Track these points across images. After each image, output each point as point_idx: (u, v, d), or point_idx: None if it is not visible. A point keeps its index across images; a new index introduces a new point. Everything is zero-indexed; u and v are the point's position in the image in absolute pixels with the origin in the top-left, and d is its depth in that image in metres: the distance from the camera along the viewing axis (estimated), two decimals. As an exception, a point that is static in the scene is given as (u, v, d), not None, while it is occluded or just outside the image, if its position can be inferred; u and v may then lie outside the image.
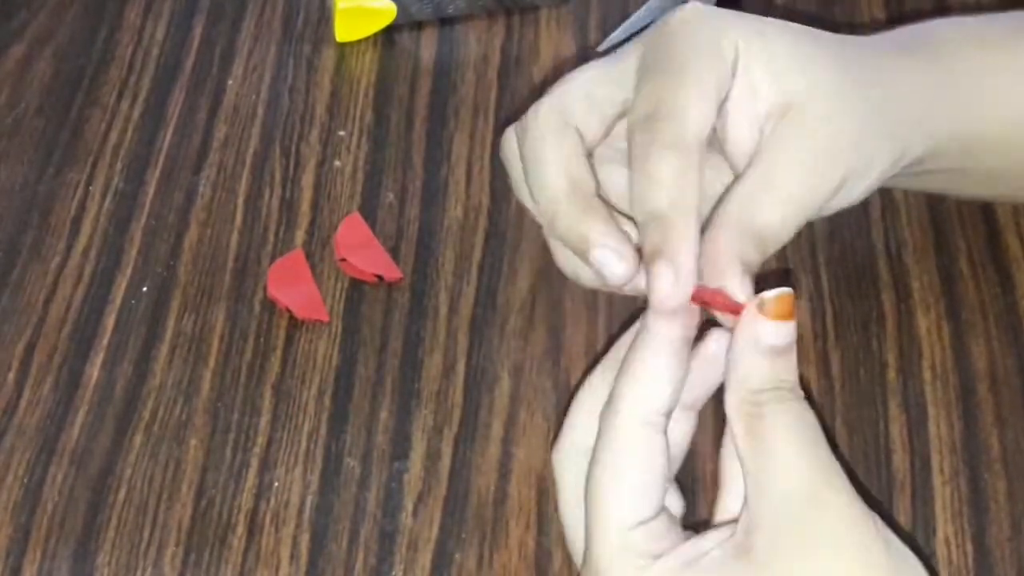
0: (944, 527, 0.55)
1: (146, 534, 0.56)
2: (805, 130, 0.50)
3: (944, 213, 0.66)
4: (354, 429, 0.59)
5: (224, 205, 0.67)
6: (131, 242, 0.65)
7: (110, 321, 0.62)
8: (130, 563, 0.55)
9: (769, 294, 0.44)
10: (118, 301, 0.63)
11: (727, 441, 0.45)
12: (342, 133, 0.70)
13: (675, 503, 0.47)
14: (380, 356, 0.61)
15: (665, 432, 0.44)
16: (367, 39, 0.74)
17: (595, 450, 0.44)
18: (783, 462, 0.43)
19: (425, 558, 0.55)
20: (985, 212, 0.65)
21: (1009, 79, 0.56)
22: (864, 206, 0.66)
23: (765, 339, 0.44)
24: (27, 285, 0.64)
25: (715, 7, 0.51)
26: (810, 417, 0.44)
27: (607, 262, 0.46)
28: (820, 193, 0.50)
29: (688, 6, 0.50)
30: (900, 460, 0.57)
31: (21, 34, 0.74)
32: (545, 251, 0.64)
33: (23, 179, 0.68)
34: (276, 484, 0.57)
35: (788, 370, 0.44)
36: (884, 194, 0.66)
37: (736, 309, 0.45)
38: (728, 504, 0.45)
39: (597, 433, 0.44)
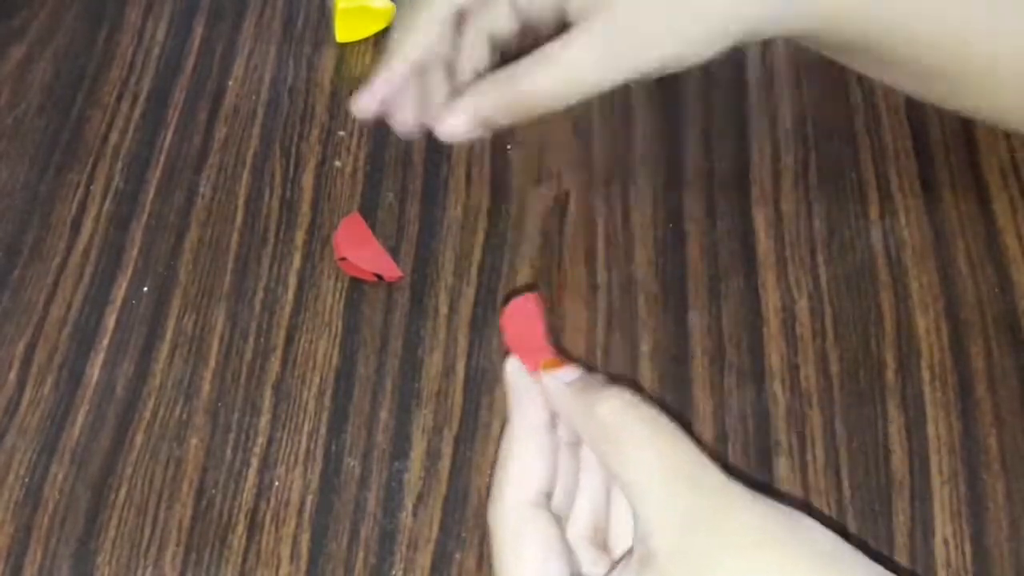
0: (943, 527, 0.56)
1: (147, 533, 0.56)
2: (608, 18, 0.56)
3: (943, 213, 0.66)
4: (354, 429, 0.59)
5: (224, 205, 0.67)
6: (131, 242, 0.65)
7: (111, 321, 0.62)
8: (130, 562, 0.55)
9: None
10: (119, 301, 0.63)
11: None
12: (342, 133, 0.70)
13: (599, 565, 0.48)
14: (380, 356, 0.61)
15: (549, 509, 0.46)
16: (367, 39, 0.74)
17: (492, 538, 0.46)
18: (639, 457, 0.43)
19: (425, 558, 0.55)
20: (984, 212, 0.66)
21: None
22: (863, 206, 0.66)
23: (566, 378, 0.47)
24: (28, 285, 0.64)
25: None
26: (651, 412, 0.44)
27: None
28: (604, 78, 0.57)
29: None
30: (899, 460, 0.57)
31: (21, 34, 0.74)
32: (545, 251, 0.65)
33: (24, 179, 0.68)
34: (276, 484, 0.57)
35: (597, 394, 0.46)
36: (884, 195, 0.66)
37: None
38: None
39: (489, 526, 0.47)
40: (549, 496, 0.47)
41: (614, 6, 0.56)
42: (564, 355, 0.49)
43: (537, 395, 0.48)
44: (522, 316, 0.50)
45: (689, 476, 0.43)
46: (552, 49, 0.57)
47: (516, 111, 0.58)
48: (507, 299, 0.50)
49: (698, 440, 0.58)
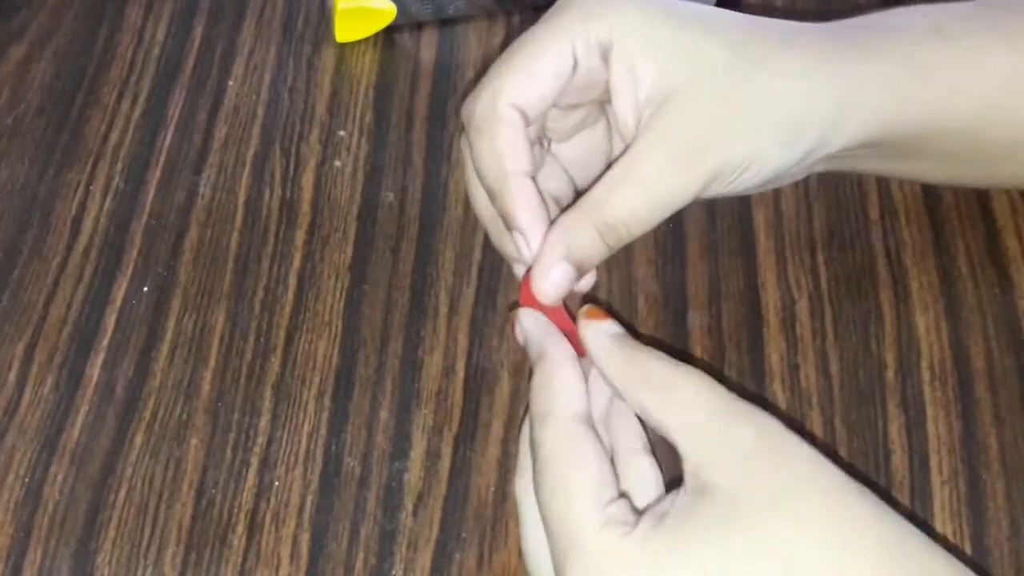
0: (943, 527, 0.56)
1: (146, 534, 0.56)
2: (675, 120, 0.50)
3: (943, 213, 0.66)
4: (354, 429, 0.59)
5: (224, 205, 0.67)
6: (131, 242, 0.65)
7: (111, 321, 0.62)
8: (130, 562, 0.55)
9: (585, 307, 0.49)
10: (118, 301, 0.63)
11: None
12: (342, 133, 0.70)
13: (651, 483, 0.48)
14: (380, 356, 0.61)
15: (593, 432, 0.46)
16: (367, 39, 0.74)
17: (538, 460, 0.45)
18: (689, 390, 0.44)
19: (425, 558, 0.55)
20: (984, 212, 0.66)
21: (972, 72, 0.56)
22: (863, 206, 0.66)
23: (611, 329, 0.47)
24: (28, 285, 0.64)
25: None
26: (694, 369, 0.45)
27: (521, 245, 0.51)
28: (680, 184, 0.51)
29: None
30: (899, 460, 0.57)
31: (21, 34, 0.74)
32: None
33: (24, 179, 0.68)
34: (276, 484, 0.57)
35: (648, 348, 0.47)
36: (883, 195, 0.66)
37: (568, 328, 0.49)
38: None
39: (533, 449, 0.46)
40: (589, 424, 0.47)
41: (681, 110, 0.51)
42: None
43: (562, 338, 0.48)
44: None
45: (743, 413, 0.44)
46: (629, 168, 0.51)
47: (610, 245, 0.51)
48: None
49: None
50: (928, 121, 0.55)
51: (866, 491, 0.43)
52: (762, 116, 0.51)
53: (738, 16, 0.54)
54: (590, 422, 0.46)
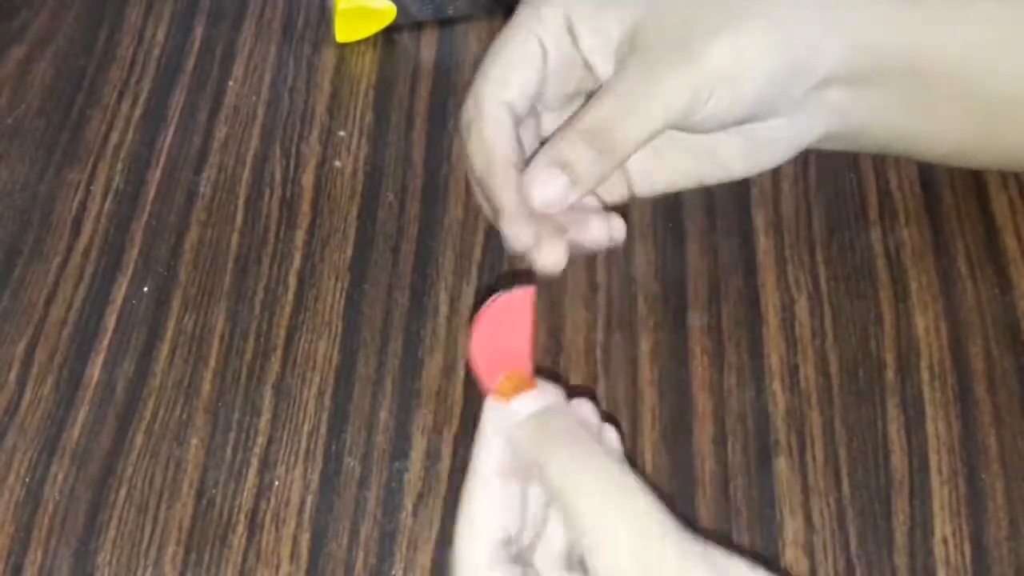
0: (942, 527, 0.56)
1: (147, 533, 0.56)
2: (651, 37, 0.53)
3: (943, 213, 0.66)
4: (354, 429, 0.59)
5: (224, 205, 0.67)
6: (132, 242, 0.65)
7: (111, 321, 0.62)
8: (131, 562, 0.55)
9: (499, 380, 0.46)
10: (119, 301, 0.63)
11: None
12: (342, 133, 0.70)
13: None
14: (380, 356, 0.61)
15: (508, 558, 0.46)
16: (367, 39, 0.74)
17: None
18: (589, 522, 0.43)
19: (425, 558, 0.55)
20: (984, 212, 0.66)
21: (958, 8, 0.57)
22: (863, 206, 0.66)
23: (523, 410, 0.46)
24: (28, 285, 0.64)
25: None
26: (601, 464, 0.44)
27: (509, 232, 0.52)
28: (669, 91, 0.52)
29: None
30: (898, 460, 0.57)
31: (22, 35, 0.74)
32: (545, 251, 0.65)
33: (24, 179, 0.68)
34: (276, 484, 0.57)
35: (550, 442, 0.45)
36: (883, 195, 0.66)
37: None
38: None
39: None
40: (510, 540, 0.46)
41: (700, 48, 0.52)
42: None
43: (494, 437, 0.46)
44: (509, 314, 0.46)
45: (641, 533, 0.42)
46: (636, 93, 0.52)
47: (608, 167, 0.53)
48: (488, 294, 0.47)
49: (697, 441, 0.58)
50: (917, 54, 0.56)
51: None
52: (742, 16, 0.53)
53: None
54: (500, 555, 0.45)
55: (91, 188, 0.67)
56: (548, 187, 0.52)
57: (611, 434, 0.48)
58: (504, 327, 0.46)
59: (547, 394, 0.46)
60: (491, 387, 0.46)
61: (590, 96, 0.55)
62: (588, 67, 0.55)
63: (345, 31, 0.73)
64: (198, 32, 0.75)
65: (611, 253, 0.64)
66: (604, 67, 0.55)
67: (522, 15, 0.55)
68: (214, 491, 0.57)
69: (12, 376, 0.60)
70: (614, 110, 0.52)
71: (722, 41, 0.52)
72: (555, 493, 0.44)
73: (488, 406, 0.46)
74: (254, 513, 0.56)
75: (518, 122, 0.54)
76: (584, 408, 0.47)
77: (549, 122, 0.57)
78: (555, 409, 0.46)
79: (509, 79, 0.54)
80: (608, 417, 0.49)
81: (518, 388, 0.46)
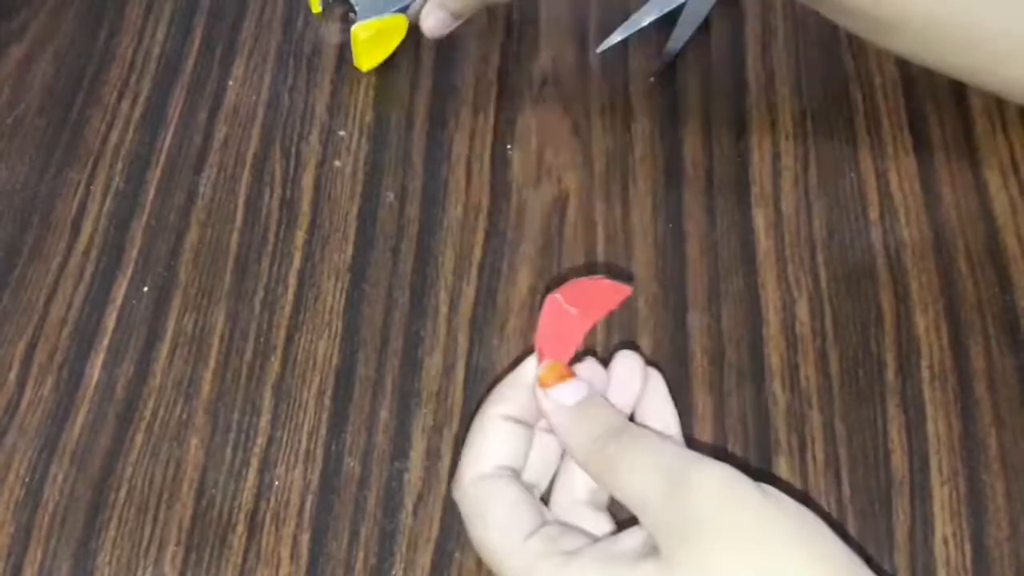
0: (943, 527, 0.56)
1: (147, 533, 0.56)
2: None
3: (943, 213, 0.66)
4: (354, 429, 0.59)
5: (224, 205, 0.67)
6: (132, 242, 0.65)
7: (111, 321, 0.62)
8: (131, 562, 0.55)
9: (540, 368, 0.49)
10: (119, 301, 0.63)
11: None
12: (342, 133, 0.70)
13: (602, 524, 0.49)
14: (380, 356, 0.61)
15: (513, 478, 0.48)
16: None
17: (464, 522, 0.48)
18: (635, 479, 0.45)
19: (425, 558, 0.55)
20: (984, 212, 0.66)
21: None
22: (863, 206, 0.66)
23: (564, 400, 0.48)
24: (28, 285, 0.64)
25: None
26: (649, 435, 0.46)
27: None
28: None
29: None
30: (899, 460, 0.58)
31: (22, 34, 0.74)
32: (545, 251, 0.65)
33: (24, 179, 0.68)
34: (276, 484, 0.57)
35: (604, 414, 0.47)
36: (883, 195, 0.66)
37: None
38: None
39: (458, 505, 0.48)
40: (515, 471, 0.48)
41: None
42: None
43: (521, 392, 0.49)
44: (597, 297, 0.51)
45: (683, 481, 0.44)
46: None
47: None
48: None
49: (698, 441, 0.58)
50: None
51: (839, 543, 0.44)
52: None
53: None
54: (501, 473, 0.48)
55: (91, 188, 0.67)
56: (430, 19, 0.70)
57: (656, 382, 0.51)
58: (585, 303, 0.50)
59: (583, 386, 0.49)
60: (543, 347, 0.49)
61: None
62: None
63: (367, 59, 0.72)
64: (198, 32, 0.75)
65: (611, 253, 0.64)
66: None
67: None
68: (214, 491, 0.57)
69: (12, 376, 0.60)
70: None
71: None
72: (598, 459, 0.46)
73: (531, 361, 0.49)
74: (254, 513, 0.56)
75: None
76: (591, 368, 0.50)
77: None
78: (592, 399, 0.48)
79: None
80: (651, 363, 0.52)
81: (560, 377, 0.49)
